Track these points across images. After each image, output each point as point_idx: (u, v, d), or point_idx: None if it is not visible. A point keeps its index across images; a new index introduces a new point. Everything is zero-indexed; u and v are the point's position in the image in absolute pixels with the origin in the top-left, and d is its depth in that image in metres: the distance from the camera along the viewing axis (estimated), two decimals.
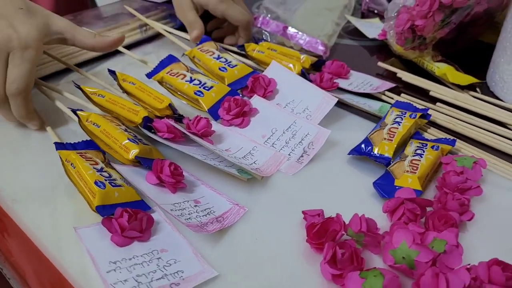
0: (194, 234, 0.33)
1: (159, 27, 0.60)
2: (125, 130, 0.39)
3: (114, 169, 0.37)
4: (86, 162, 0.36)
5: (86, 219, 0.34)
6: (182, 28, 0.60)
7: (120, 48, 0.55)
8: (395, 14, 0.54)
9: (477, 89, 0.53)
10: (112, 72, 0.47)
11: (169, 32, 0.60)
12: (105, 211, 0.33)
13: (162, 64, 0.49)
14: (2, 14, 0.41)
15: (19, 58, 0.40)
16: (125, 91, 0.45)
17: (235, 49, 0.58)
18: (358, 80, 0.54)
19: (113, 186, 0.35)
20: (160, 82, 0.48)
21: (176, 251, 0.32)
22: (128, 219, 0.32)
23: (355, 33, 0.69)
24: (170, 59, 0.50)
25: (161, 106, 0.42)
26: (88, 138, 0.40)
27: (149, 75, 0.49)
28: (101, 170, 0.36)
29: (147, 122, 0.40)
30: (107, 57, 0.58)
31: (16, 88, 0.40)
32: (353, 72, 0.55)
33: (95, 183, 0.34)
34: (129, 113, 0.41)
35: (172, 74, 0.48)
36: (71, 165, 0.36)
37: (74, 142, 0.40)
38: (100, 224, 0.32)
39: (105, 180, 0.35)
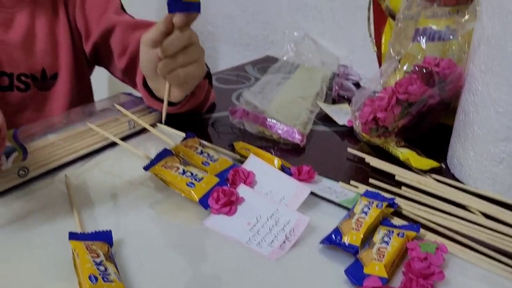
0: None
1: (144, 123, 0.65)
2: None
3: (113, 262, 0.41)
4: (88, 255, 0.40)
5: None
6: (166, 122, 0.66)
7: (116, 140, 0.60)
8: (360, 106, 0.61)
9: (442, 166, 0.58)
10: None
11: (155, 125, 0.65)
12: None
13: (158, 158, 0.54)
14: None
15: None
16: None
17: (216, 147, 0.63)
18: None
19: (104, 281, 0.37)
20: (156, 175, 0.53)
21: None
22: None
23: (328, 119, 0.75)
24: (165, 153, 0.55)
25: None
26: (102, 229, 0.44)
27: (146, 168, 0.53)
28: (99, 263, 0.39)
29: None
30: (97, 153, 0.62)
31: None
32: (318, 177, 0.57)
33: (89, 277, 0.37)
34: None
35: (167, 167, 0.52)
36: (76, 255, 0.40)
37: (87, 233, 0.44)
38: None
39: (99, 274, 0.38)
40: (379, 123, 0.59)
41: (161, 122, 0.68)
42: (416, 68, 0.55)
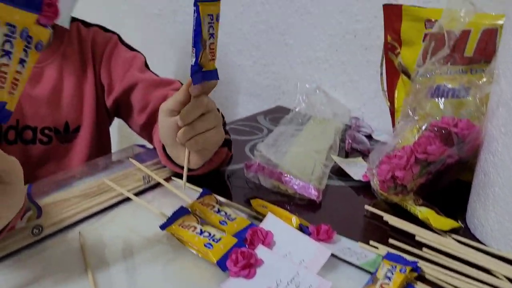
0: None
1: (159, 178, 0.65)
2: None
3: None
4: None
5: None
6: (181, 175, 0.66)
7: (131, 196, 0.60)
8: (377, 164, 0.60)
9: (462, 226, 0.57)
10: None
11: (170, 179, 0.65)
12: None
13: (174, 216, 0.53)
14: None
15: None
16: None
17: (233, 203, 0.62)
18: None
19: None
20: (173, 234, 0.52)
21: None
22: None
23: (342, 173, 0.75)
24: (182, 211, 0.54)
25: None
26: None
27: (163, 227, 0.52)
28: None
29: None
30: (112, 208, 0.62)
31: None
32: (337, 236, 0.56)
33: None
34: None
35: (184, 227, 0.52)
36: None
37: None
38: None
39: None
40: (397, 181, 0.58)
41: (175, 176, 0.68)
42: (435, 128, 0.55)
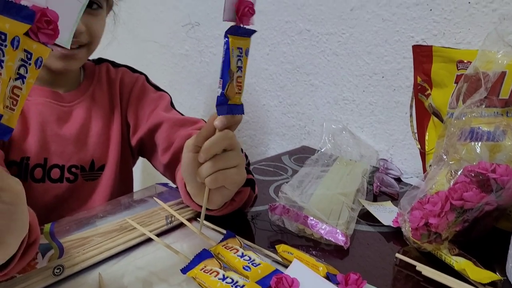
0: None
1: (182, 218, 0.64)
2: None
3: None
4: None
5: None
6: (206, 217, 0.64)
7: (154, 237, 0.58)
8: (409, 210, 0.58)
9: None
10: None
11: (193, 219, 0.63)
12: None
13: (197, 260, 0.52)
14: None
15: None
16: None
17: (257, 247, 0.60)
18: None
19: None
20: (194, 278, 0.50)
21: None
22: None
23: (370, 217, 0.72)
24: (204, 255, 0.52)
25: None
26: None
27: (184, 271, 0.51)
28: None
29: None
30: (133, 248, 0.61)
31: None
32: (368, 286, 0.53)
33: None
34: None
35: (206, 271, 0.49)
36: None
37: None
38: None
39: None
40: (431, 229, 0.55)
41: (199, 217, 0.66)
42: (471, 173, 0.52)
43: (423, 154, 0.79)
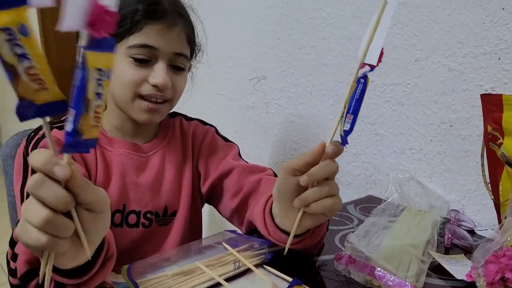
0: None
1: (250, 264, 0.65)
2: None
3: None
4: None
5: None
6: (271, 262, 0.65)
7: (223, 282, 0.61)
8: (483, 264, 0.55)
9: None
10: None
11: (260, 266, 0.64)
12: None
13: (289, 287, 0.53)
14: None
15: None
16: None
17: None
18: None
19: None
20: None
21: None
22: None
23: (442, 271, 0.69)
24: (294, 283, 0.55)
25: None
26: None
27: None
28: None
29: None
30: None
31: None
32: None
33: None
34: None
35: None
36: None
37: None
38: None
39: None
40: (508, 284, 0.52)
41: (267, 264, 0.67)
42: None
43: (497, 205, 0.75)
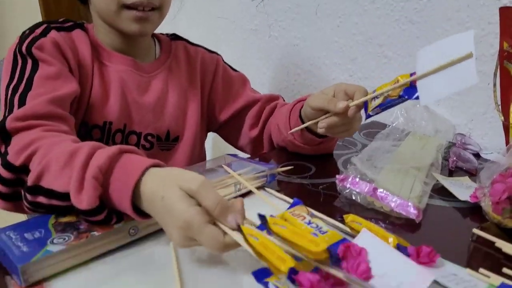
0: None
1: (251, 186, 0.65)
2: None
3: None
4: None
5: None
6: (272, 185, 0.65)
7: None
8: (489, 183, 0.54)
9: None
10: (262, 217, 0.49)
11: (261, 189, 0.64)
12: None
13: (290, 207, 0.54)
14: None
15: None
16: (276, 235, 0.47)
17: (325, 217, 0.60)
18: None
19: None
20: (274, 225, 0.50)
21: None
22: None
23: (445, 193, 0.68)
24: (296, 202, 0.54)
25: (316, 250, 0.43)
26: None
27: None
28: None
29: (292, 274, 0.41)
30: None
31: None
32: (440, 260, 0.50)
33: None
34: (277, 260, 0.42)
35: (294, 215, 0.51)
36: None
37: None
38: None
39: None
40: None
41: (268, 187, 0.67)
42: None
43: (506, 127, 0.73)
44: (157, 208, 0.47)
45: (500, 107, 0.74)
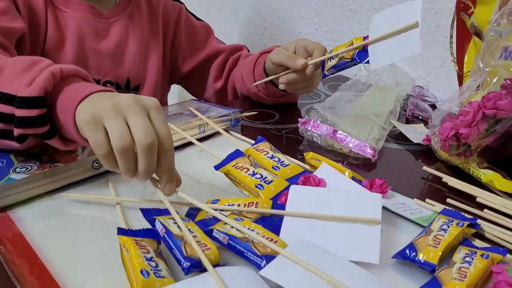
0: None
1: (217, 126, 0.66)
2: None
3: (163, 259, 0.39)
4: (139, 250, 0.38)
5: None
6: (236, 128, 0.66)
7: (193, 140, 0.63)
8: (439, 121, 0.57)
9: None
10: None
11: (226, 131, 0.65)
12: None
13: (229, 158, 0.54)
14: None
15: (161, 116, 0.42)
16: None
17: (289, 157, 0.62)
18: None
19: (156, 277, 0.36)
20: (226, 174, 0.53)
21: None
22: None
23: (401, 138, 0.72)
24: (237, 154, 0.55)
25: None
26: (149, 227, 0.43)
27: (217, 167, 0.54)
28: (150, 259, 0.38)
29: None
30: (178, 149, 0.64)
31: (171, 143, 0.42)
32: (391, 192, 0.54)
33: (141, 271, 0.36)
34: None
35: (237, 168, 0.52)
36: (125, 250, 0.39)
37: (136, 230, 0.42)
38: None
39: (151, 269, 0.37)
40: (460, 140, 0.55)
41: (231, 130, 0.68)
42: (508, 81, 0.51)
43: (460, 76, 0.76)
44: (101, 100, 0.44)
45: (456, 58, 0.77)
